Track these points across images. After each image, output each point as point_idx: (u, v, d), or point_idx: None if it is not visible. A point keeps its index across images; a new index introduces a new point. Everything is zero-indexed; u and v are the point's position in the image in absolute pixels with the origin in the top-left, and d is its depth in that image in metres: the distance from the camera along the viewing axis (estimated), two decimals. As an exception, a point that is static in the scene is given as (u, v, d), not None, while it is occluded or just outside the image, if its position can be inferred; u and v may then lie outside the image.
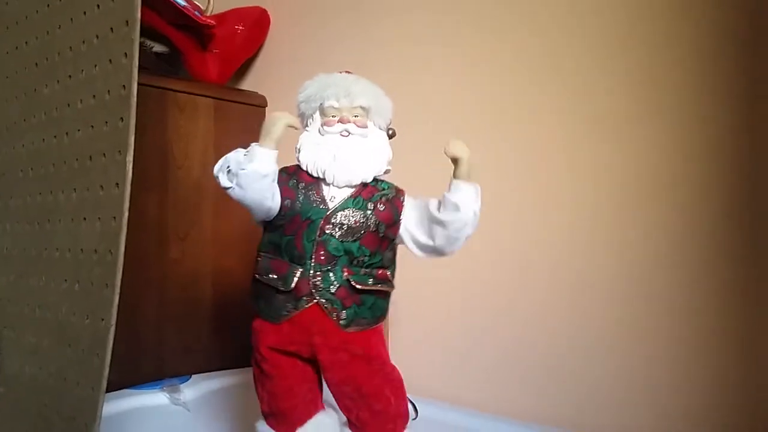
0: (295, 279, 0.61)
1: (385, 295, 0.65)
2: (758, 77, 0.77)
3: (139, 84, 0.60)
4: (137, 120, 0.59)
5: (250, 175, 0.59)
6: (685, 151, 0.82)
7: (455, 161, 0.61)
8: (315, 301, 0.61)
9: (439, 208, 0.62)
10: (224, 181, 0.61)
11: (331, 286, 0.61)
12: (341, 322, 0.61)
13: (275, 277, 0.62)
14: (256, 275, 0.65)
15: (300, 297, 0.61)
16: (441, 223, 0.61)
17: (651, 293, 0.84)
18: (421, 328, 1.05)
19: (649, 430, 0.84)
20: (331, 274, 0.61)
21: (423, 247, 0.64)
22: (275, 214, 0.64)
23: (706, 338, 0.80)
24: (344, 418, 0.66)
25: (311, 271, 0.61)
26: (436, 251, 0.64)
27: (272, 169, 0.60)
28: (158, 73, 1.16)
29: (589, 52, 0.90)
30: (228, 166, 0.61)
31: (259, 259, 0.65)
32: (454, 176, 0.61)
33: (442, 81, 1.04)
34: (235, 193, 0.61)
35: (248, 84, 1.34)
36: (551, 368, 0.92)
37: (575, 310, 0.91)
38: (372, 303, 0.63)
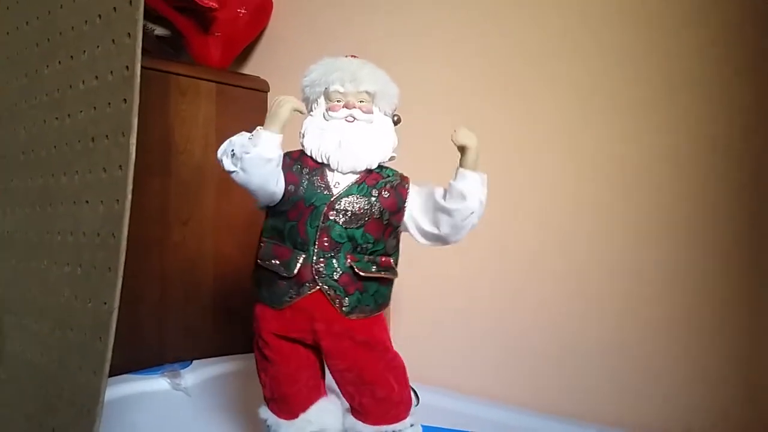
0: (298, 265, 0.60)
1: (389, 283, 0.65)
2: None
3: (141, 67, 0.59)
4: (139, 103, 0.58)
5: (255, 159, 0.58)
6: (691, 138, 0.81)
7: (462, 149, 0.60)
8: (318, 287, 0.60)
9: (444, 197, 0.61)
10: (228, 165, 0.60)
11: (334, 273, 0.60)
12: (344, 309, 0.61)
13: (278, 262, 0.62)
14: (258, 260, 0.64)
15: (302, 283, 0.61)
16: (447, 211, 0.60)
17: (658, 282, 0.84)
18: (423, 316, 1.05)
19: (653, 419, 0.83)
20: (334, 261, 0.60)
21: (427, 235, 0.64)
22: (279, 200, 0.63)
23: (716, 329, 0.80)
24: (347, 404, 0.65)
25: (314, 258, 0.60)
26: (440, 239, 0.63)
27: (277, 154, 0.60)
28: (160, 57, 1.15)
29: (594, 36, 0.89)
30: (232, 150, 0.60)
31: (261, 244, 0.65)
32: (461, 165, 0.61)
33: (447, 66, 1.03)
34: (239, 177, 0.60)
35: (250, 68, 1.33)
36: (554, 356, 0.92)
37: (579, 299, 0.90)
38: (375, 290, 0.63)
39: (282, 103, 0.60)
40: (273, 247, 0.63)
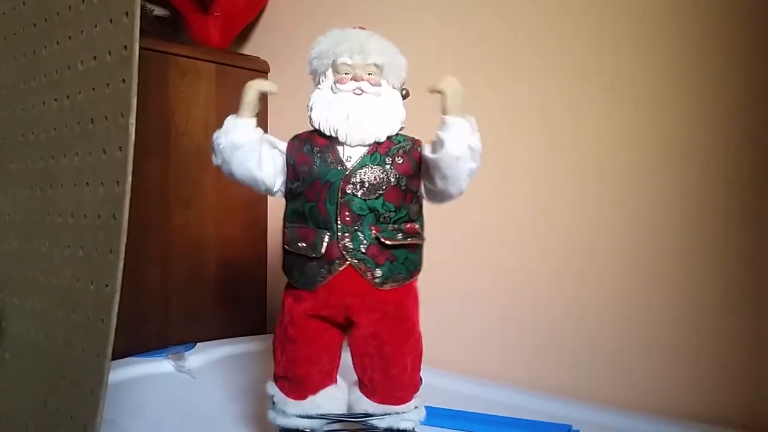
0: (325, 244, 0.60)
1: (417, 248, 0.64)
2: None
3: (140, 48, 0.58)
4: (138, 84, 0.58)
5: (227, 147, 0.60)
6: (701, 118, 0.80)
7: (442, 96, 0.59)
8: (347, 262, 0.60)
9: (432, 149, 0.60)
10: (213, 159, 0.62)
11: (361, 246, 0.60)
12: (376, 280, 0.60)
13: (304, 245, 0.61)
14: (286, 246, 0.64)
15: (332, 261, 0.60)
16: (433, 162, 0.59)
17: (664, 262, 0.84)
18: (429, 298, 1.04)
19: (661, 401, 0.84)
20: (359, 234, 0.60)
21: (429, 192, 0.63)
22: (274, 189, 0.64)
23: (722, 309, 0.80)
24: (353, 378, 0.65)
25: (339, 234, 0.60)
26: (440, 195, 0.62)
27: (247, 138, 0.60)
28: (159, 37, 1.14)
29: (602, 10, 0.88)
30: (212, 144, 0.62)
31: (285, 230, 0.64)
32: (441, 112, 0.59)
33: (452, 42, 1.02)
34: (224, 169, 0.62)
35: (250, 49, 1.32)
36: (561, 338, 0.92)
37: (587, 281, 0.90)
38: (405, 257, 0.62)
39: (247, 88, 0.61)
40: (297, 231, 0.62)
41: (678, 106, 0.82)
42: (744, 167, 0.78)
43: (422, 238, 0.64)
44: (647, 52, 0.84)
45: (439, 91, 0.59)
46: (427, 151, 0.61)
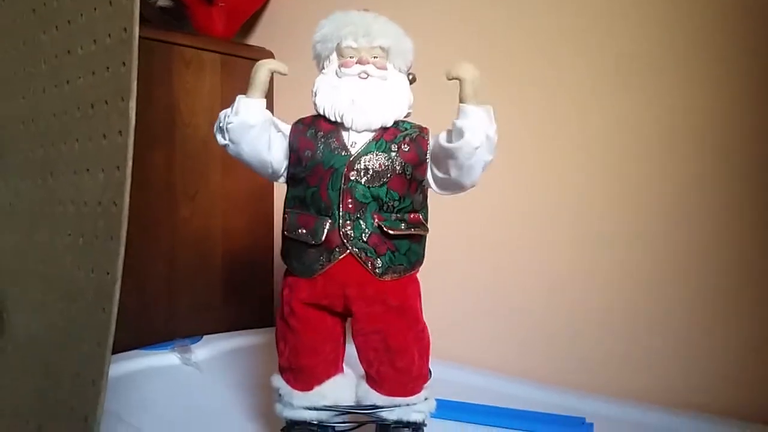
0: (325, 231, 0.58)
1: (420, 239, 0.62)
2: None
3: (143, 38, 0.57)
4: (142, 74, 0.56)
5: (238, 127, 0.58)
6: (713, 101, 0.78)
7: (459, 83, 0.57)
8: (348, 251, 0.58)
9: (448, 139, 0.58)
10: (220, 139, 0.61)
11: (363, 234, 0.58)
12: (377, 270, 0.59)
13: (304, 231, 0.60)
14: (285, 232, 0.62)
15: (332, 249, 0.59)
16: (449, 152, 0.57)
17: (678, 254, 0.82)
18: (434, 288, 1.03)
19: (674, 393, 0.82)
20: (361, 222, 0.58)
21: (439, 182, 0.61)
22: (280, 172, 0.62)
23: (736, 300, 0.78)
24: (361, 372, 0.64)
25: (340, 221, 0.58)
26: (453, 185, 0.60)
27: (259, 119, 0.59)
28: (163, 27, 1.12)
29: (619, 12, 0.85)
30: (220, 124, 0.60)
31: (285, 216, 0.63)
32: (460, 99, 0.57)
33: (460, 27, 1.00)
34: (231, 150, 0.60)
35: (255, 39, 1.30)
36: (574, 331, 0.90)
37: (599, 273, 0.88)
38: (407, 248, 0.60)
39: (258, 67, 0.59)
40: (298, 217, 0.61)
41: (687, 99, 0.80)
42: (761, 160, 0.75)
43: (426, 229, 0.63)
44: (655, 43, 0.82)
45: (456, 78, 0.57)
46: (442, 139, 0.58)
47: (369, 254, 0.59)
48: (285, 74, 0.60)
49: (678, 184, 0.81)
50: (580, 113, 0.89)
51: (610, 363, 0.87)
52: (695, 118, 0.80)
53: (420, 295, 0.63)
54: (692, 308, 0.81)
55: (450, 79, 0.57)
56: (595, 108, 0.87)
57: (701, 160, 0.79)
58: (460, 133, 0.56)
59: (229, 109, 0.60)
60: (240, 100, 0.59)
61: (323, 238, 0.58)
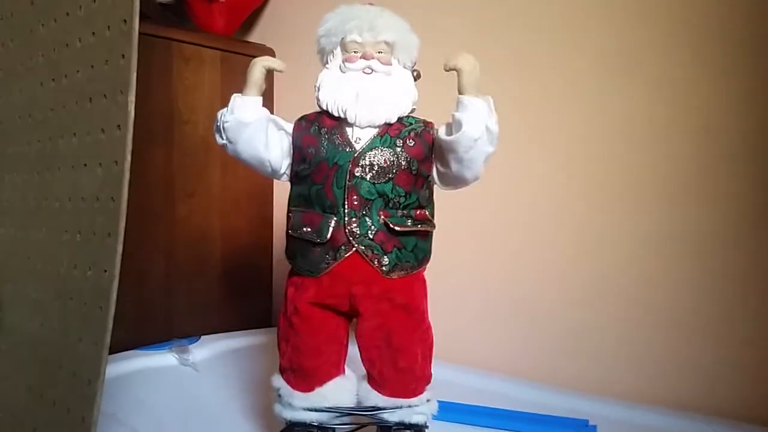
0: (330, 229, 0.57)
1: (427, 236, 0.61)
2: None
3: (143, 34, 0.56)
4: (141, 71, 0.55)
5: (234, 126, 0.58)
6: (721, 96, 0.77)
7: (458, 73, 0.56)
8: (354, 249, 0.57)
9: (448, 131, 0.57)
10: (218, 139, 0.60)
11: (369, 231, 0.57)
12: (383, 268, 0.58)
13: (309, 230, 0.59)
14: (290, 231, 0.61)
15: (338, 247, 0.58)
16: (449, 145, 0.56)
17: (685, 255, 0.81)
18: (438, 290, 1.02)
19: (679, 395, 0.81)
20: (367, 219, 0.57)
21: (442, 176, 0.60)
22: (281, 171, 0.61)
23: (743, 302, 0.77)
24: (362, 372, 0.63)
25: (346, 219, 0.57)
26: (455, 179, 0.59)
27: (255, 117, 0.58)
28: (163, 24, 1.11)
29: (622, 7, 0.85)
30: (217, 123, 0.59)
31: (290, 215, 0.62)
32: (458, 91, 0.56)
33: (466, 23, 0.99)
34: (229, 149, 0.60)
35: (255, 36, 1.29)
36: (578, 333, 0.89)
37: (604, 275, 0.87)
38: (414, 245, 0.59)
39: (253, 65, 0.59)
40: (302, 216, 0.60)
41: (691, 96, 0.79)
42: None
43: (432, 225, 0.61)
44: (658, 37, 0.81)
45: (454, 69, 0.56)
46: (441, 132, 0.58)
47: (375, 251, 0.58)
48: (281, 71, 0.60)
49: (687, 184, 0.80)
50: (584, 111, 0.88)
51: (615, 365, 0.86)
52: (700, 115, 0.79)
53: (426, 295, 0.62)
54: (696, 310, 0.80)
55: (447, 70, 0.56)
56: (601, 105, 0.86)
57: (713, 157, 0.78)
58: (459, 125, 0.55)
59: (225, 109, 0.59)
60: (235, 98, 0.59)
61: (328, 236, 0.57)
